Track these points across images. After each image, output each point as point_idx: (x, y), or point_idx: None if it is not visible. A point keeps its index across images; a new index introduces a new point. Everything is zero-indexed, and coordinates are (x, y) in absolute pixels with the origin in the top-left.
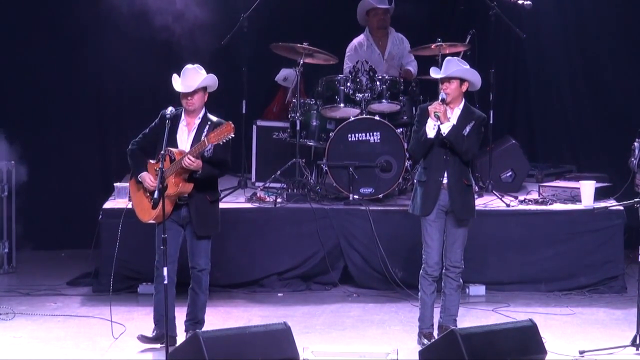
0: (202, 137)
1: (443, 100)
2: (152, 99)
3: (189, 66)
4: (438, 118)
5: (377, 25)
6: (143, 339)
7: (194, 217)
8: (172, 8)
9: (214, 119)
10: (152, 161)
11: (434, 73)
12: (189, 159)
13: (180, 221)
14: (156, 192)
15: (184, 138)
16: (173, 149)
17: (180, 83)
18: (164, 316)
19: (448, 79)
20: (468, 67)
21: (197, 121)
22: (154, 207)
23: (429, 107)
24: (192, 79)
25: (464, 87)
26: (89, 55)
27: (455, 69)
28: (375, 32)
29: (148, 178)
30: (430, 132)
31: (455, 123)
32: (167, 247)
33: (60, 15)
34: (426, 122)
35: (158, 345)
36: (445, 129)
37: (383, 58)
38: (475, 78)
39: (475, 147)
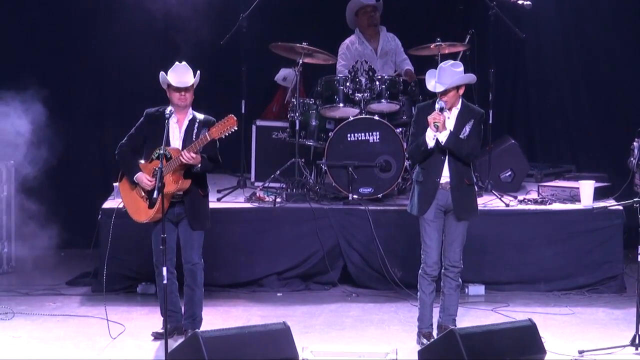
0: (204, 133)
1: (442, 110)
2: (152, 100)
3: (180, 62)
4: (437, 128)
5: (367, 23)
6: (157, 335)
7: (189, 211)
8: (172, 8)
9: (201, 116)
10: (142, 161)
11: (430, 82)
12: (189, 154)
13: (175, 219)
14: (155, 192)
15: (176, 135)
16: (168, 147)
17: (175, 79)
18: (170, 310)
19: (443, 91)
20: (461, 70)
21: (189, 118)
22: (152, 206)
23: (428, 118)
24: (186, 75)
25: (461, 91)
26: (90, 55)
27: (450, 81)
28: (366, 31)
29: (145, 178)
30: (430, 142)
31: (452, 129)
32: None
33: (58, 16)
34: (423, 122)
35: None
36: (443, 137)
37: (376, 54)
38: (469, 80)
39: (476, 149)
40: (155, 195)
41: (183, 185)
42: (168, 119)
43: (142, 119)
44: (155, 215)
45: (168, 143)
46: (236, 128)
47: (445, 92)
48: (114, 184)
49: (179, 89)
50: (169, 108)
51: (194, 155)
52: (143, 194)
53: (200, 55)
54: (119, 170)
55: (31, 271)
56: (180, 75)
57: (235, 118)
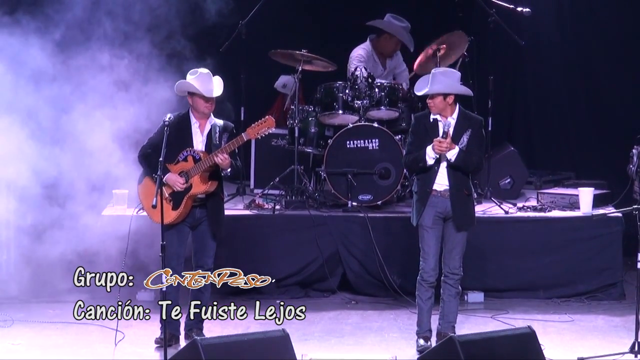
0: (240, 135)
1: (445, 134)
2: (152, 105)
3: (203, 70)
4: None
5: (390, 53)
6: (160, 341)
7: (211, 216)
8: (171, 15)
9: (220, 121)
10: (167, 164)
11: (417, 89)
12: (223, 155)
13: (194, 222)
14: (154, 199)
15: (198, 140)
16: (197, 149)
17: (203, 87)
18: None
19: (430, 96)
20: (453, 78)
21: (210, 122)
22: (175, 208)
23: (435, 148)
24: (215, 84)
25: (450, 100)
26: None
27: (434, 87)
28: (383, 52)
29: (176, 178)
30: (430, 161)
31: (461, 148)
32: (178, 248)
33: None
34: (420, 133)
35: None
36: (452, 155)
37: (384, 71)
38: (458, 90)
39: (482, 162)
40: (154, 202)
41: (211, 187)
42: (166, 127)
43: (161, 123)
44: (179, 217)
45: (189, 146)
46: (274, 129)
47: (431, 97)
48: (113, 191)
49: (206, 98)
50: (169, 115)
51: (226, 156)
52: (167, 195)
53: (199, 62)
54: (128, 174)
55: (31, 278)
56: (208, 84)
57: (273, 119)
